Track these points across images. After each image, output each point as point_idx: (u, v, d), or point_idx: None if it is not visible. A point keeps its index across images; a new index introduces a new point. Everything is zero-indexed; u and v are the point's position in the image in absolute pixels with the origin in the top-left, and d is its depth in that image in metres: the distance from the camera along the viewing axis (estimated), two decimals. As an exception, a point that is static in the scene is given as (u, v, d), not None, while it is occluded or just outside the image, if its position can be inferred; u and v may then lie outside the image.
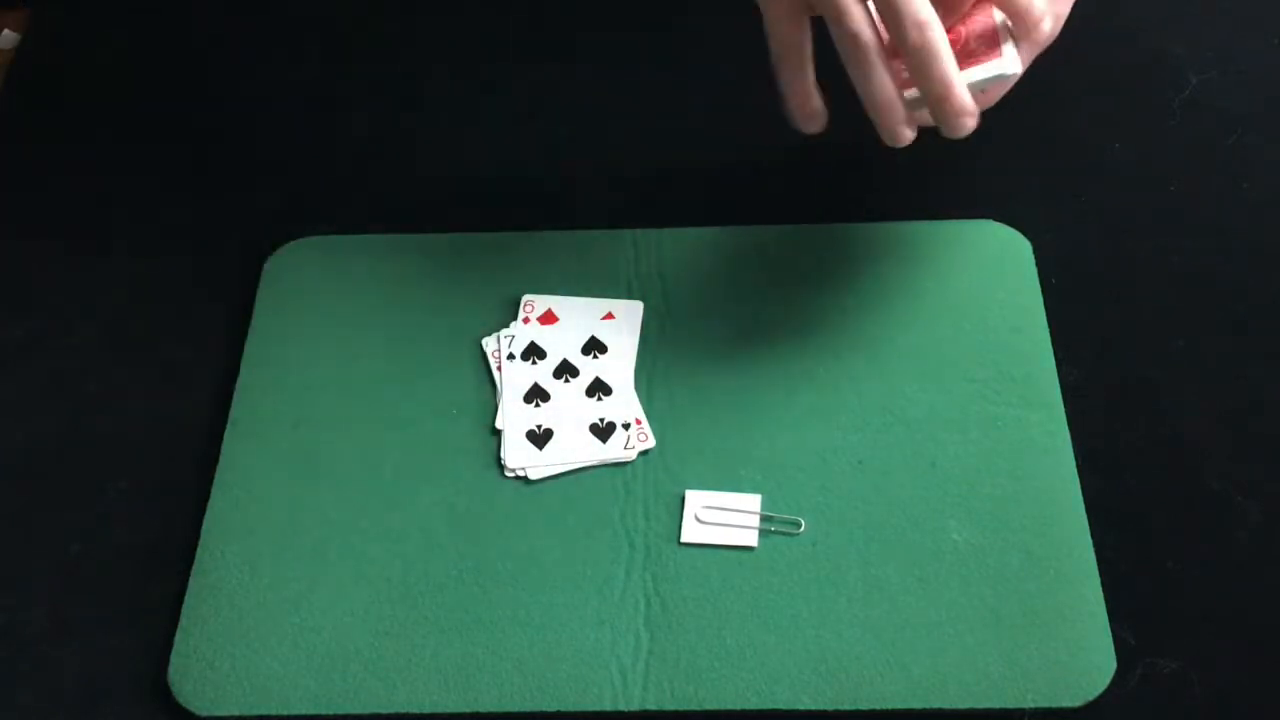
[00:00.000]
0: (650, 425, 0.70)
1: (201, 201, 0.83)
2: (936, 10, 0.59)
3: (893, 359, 0.72)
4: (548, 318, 0.75)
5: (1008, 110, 0.84)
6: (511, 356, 0.72)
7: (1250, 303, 0.74)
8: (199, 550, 0.68)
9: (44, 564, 0.69)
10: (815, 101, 0.66)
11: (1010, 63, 0.60)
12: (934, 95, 0.61)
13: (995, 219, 0.77)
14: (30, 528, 0.70)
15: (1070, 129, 0.82)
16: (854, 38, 0.60)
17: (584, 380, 0.71)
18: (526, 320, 0.75)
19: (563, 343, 0.73)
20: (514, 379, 0.72)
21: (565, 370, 0.72)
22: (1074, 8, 0.88)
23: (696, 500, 0.68)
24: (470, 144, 0.85)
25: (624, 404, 0.70)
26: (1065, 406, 0.70)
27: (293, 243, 0.79)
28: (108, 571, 0.68)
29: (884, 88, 0.61)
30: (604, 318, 0.74)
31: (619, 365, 0.72)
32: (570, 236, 0.78)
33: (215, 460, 0.71)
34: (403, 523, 0.68)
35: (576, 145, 0.84)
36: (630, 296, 0.75)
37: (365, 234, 0.80)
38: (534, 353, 0.72)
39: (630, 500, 0.68)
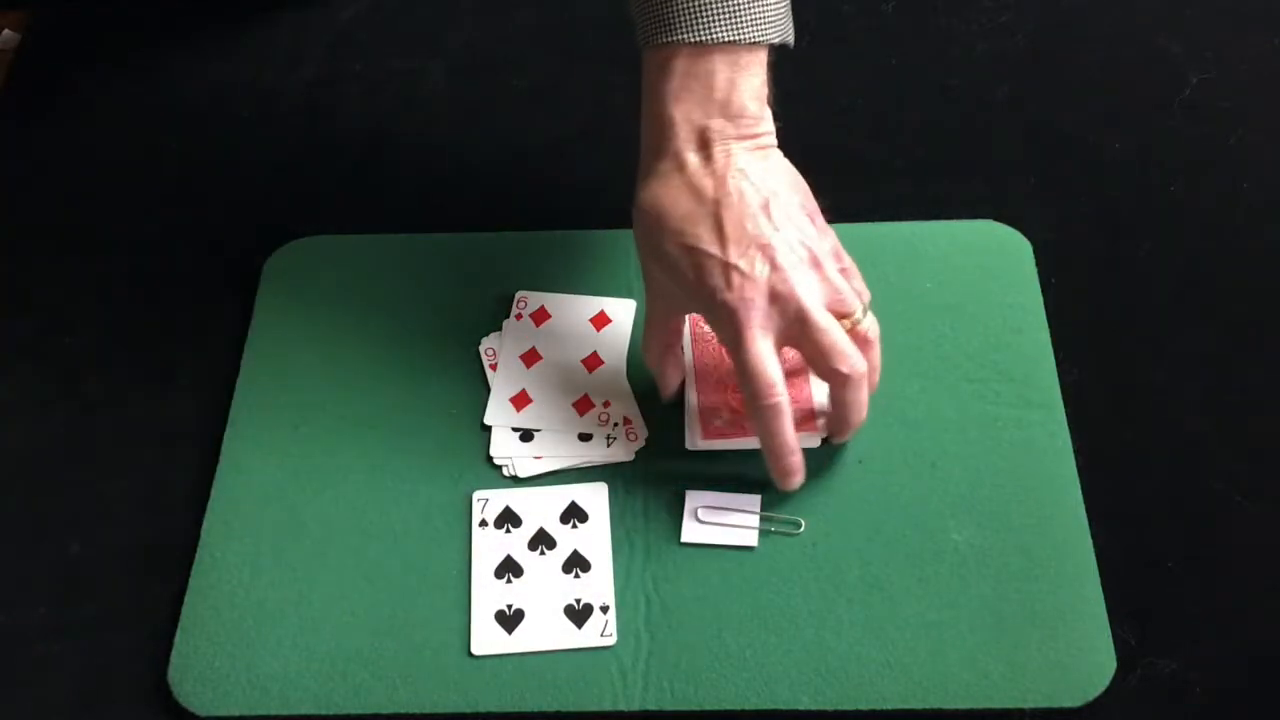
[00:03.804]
0: (649, 425, 0.70)
1: (202, 201, 0.83)
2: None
3: (893, 359, 0.72)
4: (541, 315, 0.75)
5: (1008, 110, 0.84)
6: (484, 523, 0.67)
7: (1250, 303, 0.74)
8: (199, 550, 0.68)
9: (44, 564, 0.69)
10: (674, 389, 0.70)
11: (818, 439, 0.69)
12: (775, 451, 0.65)
13: (995, 219, 0.77)
14: (30, 528, 0.70)
15: (1070, 129, 0.82)
16: (776, 408, 0.63)
17: (560, 553, 0.66)
18: (519, 317, 0.75)
19: (540, 510, 0.67)
20: (485, 549, 0.67)
21: (541, 541, 0.66)
22: (1074, 11, 0.88)
23: (696, 500, 0.68)
24: (470, 144, 0.85)
25: (603, 582, 0.65)
26: (1065, 406, 0.70)
27: (293, 243, 0.79)
28: (108, 571, 0.68)
29: (790, 437, 0.65)
30: (595, 317, 0.74)
31: (599, 537, 0.67)
32: (570, 236, 0.78)
33: (215, 460, 0.71)
34: (403, 522, 0.68)
35: (577, 145, 0.84)
36: (630, 296, 0.75)
37: (365, 234, 0.80)
38: (508, 520, 0.67)
39: (630, 500, 0.68)
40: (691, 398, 0.70)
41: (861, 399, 0.65)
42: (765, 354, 0.62)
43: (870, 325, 0.65)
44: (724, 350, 0.70)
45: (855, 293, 0.65)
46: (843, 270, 0.65)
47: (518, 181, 0.83)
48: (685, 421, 0.70)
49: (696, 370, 0.71)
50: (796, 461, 0.65)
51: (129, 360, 0.76)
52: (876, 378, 0.67)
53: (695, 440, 0.69)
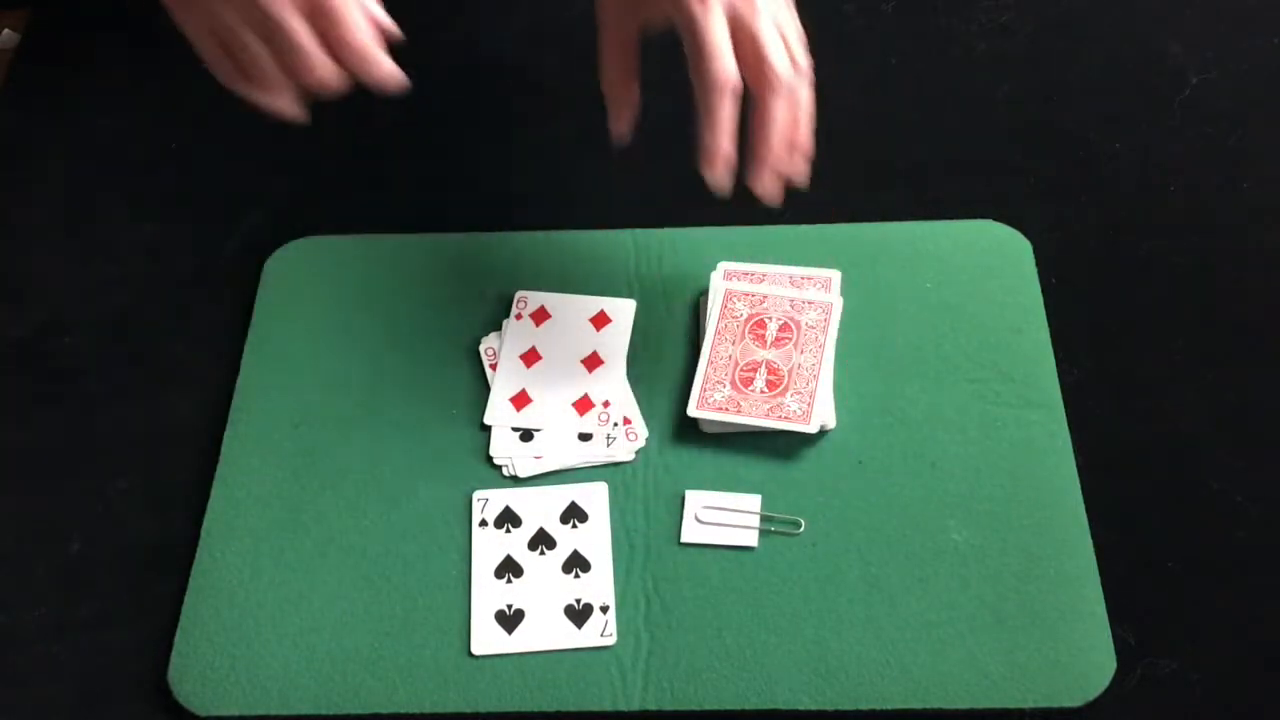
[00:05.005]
0: (649, 426, 0.70)
1: (202, 201, 0.83)
2: None
3: (893, 359, 0.72)
4: (540, 315, 0.75)
5: (1008, 110, 0.84)
6: (484, 523, 0.67)
7: (1250, 303, 0.74)
8: (199, 550, 0.68)
9: (44, 564, 0.69)
10: (633, 92, 0.66)
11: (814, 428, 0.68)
12: (713, 129, 0.62)
13: (995, 219, 0.77)
14: (30, 528, 0.70)
15: (1070, 129, 0.82)
16: (736, 91, 0.60)
17: (560, 553, 0.66)
18: (519, 317, 0.75)
19: (540, 510, 0.68)
20: (485, 549, 0.67)
21: (541, 541, 0.67)
22: (1074, 11, 0.88)
23: (696, 500, 0.68)
24: (470, 144, 0.85)
25: (603, 582, 0.65)
26: (1065, 406, 0.70)
27: (293, 243, 0.79)
28: (108, 571, 0.68)
29: (732, 123, 0.62)
30: (595, 317, 0.74)
31: (599, 537, 0.67)
32: (570, 236, 0.78)
33: (215, 460, 0.71)
34: (403, 523, 0.68)
35: (577, 145, 0.84)
36: (630, 296, 0.75)
37: (365, 234, 0.80)
38: (508, 520, 0.67)
39: (630, 500, 0.68)
40: (703, 364, 0.70)
41: (781, 117, 0.61)
42: (726, 35, 0.60)
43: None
44: (743, 338, 0.70)
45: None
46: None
47: (518, 182, 0.83)
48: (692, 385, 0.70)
49: (715, 336, 0.71)
50: (729, 149, 0.62)
51: (129, 360, 0.76)
52: (808, 128, 0.63)
53: (693, 408, 0.69)
